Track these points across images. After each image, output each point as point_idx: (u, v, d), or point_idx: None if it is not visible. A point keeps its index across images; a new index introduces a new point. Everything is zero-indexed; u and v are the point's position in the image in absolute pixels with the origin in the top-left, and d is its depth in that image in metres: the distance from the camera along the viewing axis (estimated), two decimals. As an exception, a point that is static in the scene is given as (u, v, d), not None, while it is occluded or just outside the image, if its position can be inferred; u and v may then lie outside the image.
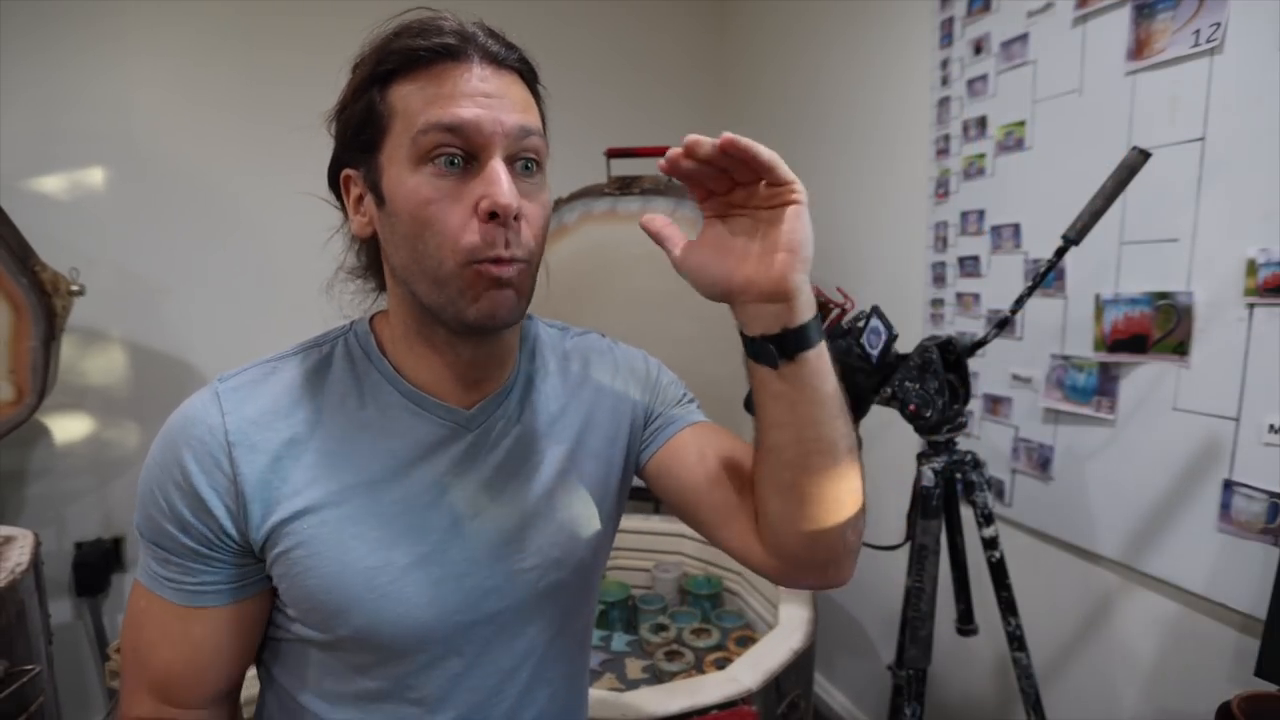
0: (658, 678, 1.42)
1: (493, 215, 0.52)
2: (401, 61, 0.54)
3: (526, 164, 0.56)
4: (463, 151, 0.53)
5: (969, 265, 1.43)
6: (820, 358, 0.54)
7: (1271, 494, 0.91)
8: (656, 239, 0.57)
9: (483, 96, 0.53)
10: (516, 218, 0.53)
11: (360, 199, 0.59)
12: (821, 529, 0.58)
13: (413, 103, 0.53)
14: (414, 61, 0.53)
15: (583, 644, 0.74)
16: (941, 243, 1.51)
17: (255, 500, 0.55)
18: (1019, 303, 0.99)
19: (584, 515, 0.66)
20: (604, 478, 0.69)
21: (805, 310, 0.52)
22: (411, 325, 0.60)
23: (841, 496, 0.58)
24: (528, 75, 0.59)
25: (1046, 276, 0.97)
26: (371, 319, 0.65)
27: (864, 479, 0.62)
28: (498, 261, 0.53)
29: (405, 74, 0.54)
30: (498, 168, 0.53)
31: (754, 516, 0.62)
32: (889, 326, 0.99)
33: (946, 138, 1.47)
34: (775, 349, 0.53)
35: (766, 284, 0.51)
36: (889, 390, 0.99)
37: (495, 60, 0.55)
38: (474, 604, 0.61)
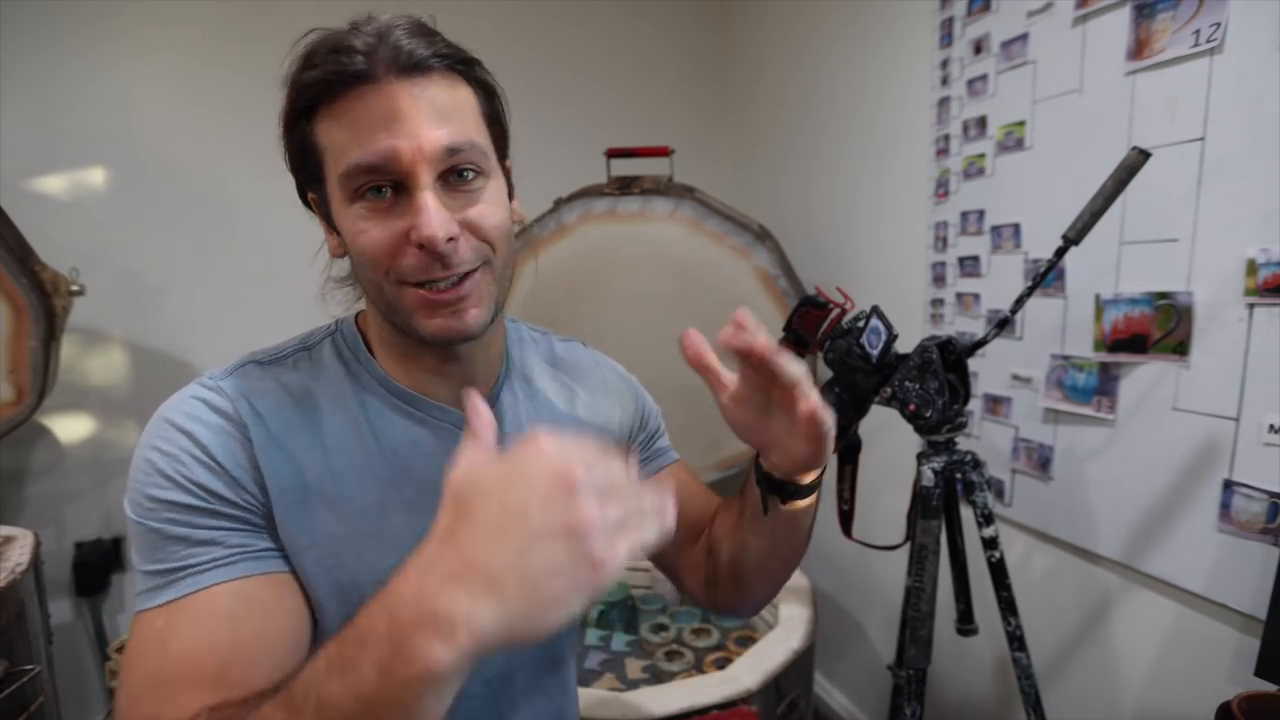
0: (658, 678, 1.42)
1: (422, 245, 0.52)
2: (316, 94, 0.52)
3: (461, 173, 0.54)
4: (390, 181, 0.52)
5: (969, 265, 1.43)
6: (810, 504, 0.62)
7: (1271, 494, 0.91)
8: (699, 369, 0.55)
9: (395, 122, 0.50)
10: (451, 239, 0.52)
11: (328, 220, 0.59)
12: (758, 597, 0.72)
13: (335, 139, 0.52)
14: (327, 93, 0.52)
15: (572, 651, 0.75)
16: (941, 243, 1.51)
17: (272, 487, 0.54)
18: (1019, 303, 0.99)
19: None
20: None
21: (813, 475, 0.59)
22: (388, 335, 0.60)
23: (783, 581, 0.71)
24: (459, 67, 0.55)
25: (1046, 276, 0.97)
26: (357, 317, 0.65)
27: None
28: (436, 285, 0.53)
29: (323, 105, 0.53)
30: (424, 199, 0.51)
31: (702, 557, 0.73)
32: (889, 326, 0.99)
33: (946, 138, 1.47)
34: (778, 492, 0.60)
35: (790, 462, 0.57)
36: (889, 390, 0.98)
37: (410, 67, 0.51)
38: None
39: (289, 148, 0.57)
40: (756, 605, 0.74)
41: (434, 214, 0.51)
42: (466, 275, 0.54)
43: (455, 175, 0.54)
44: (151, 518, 0.50)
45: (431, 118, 0.52)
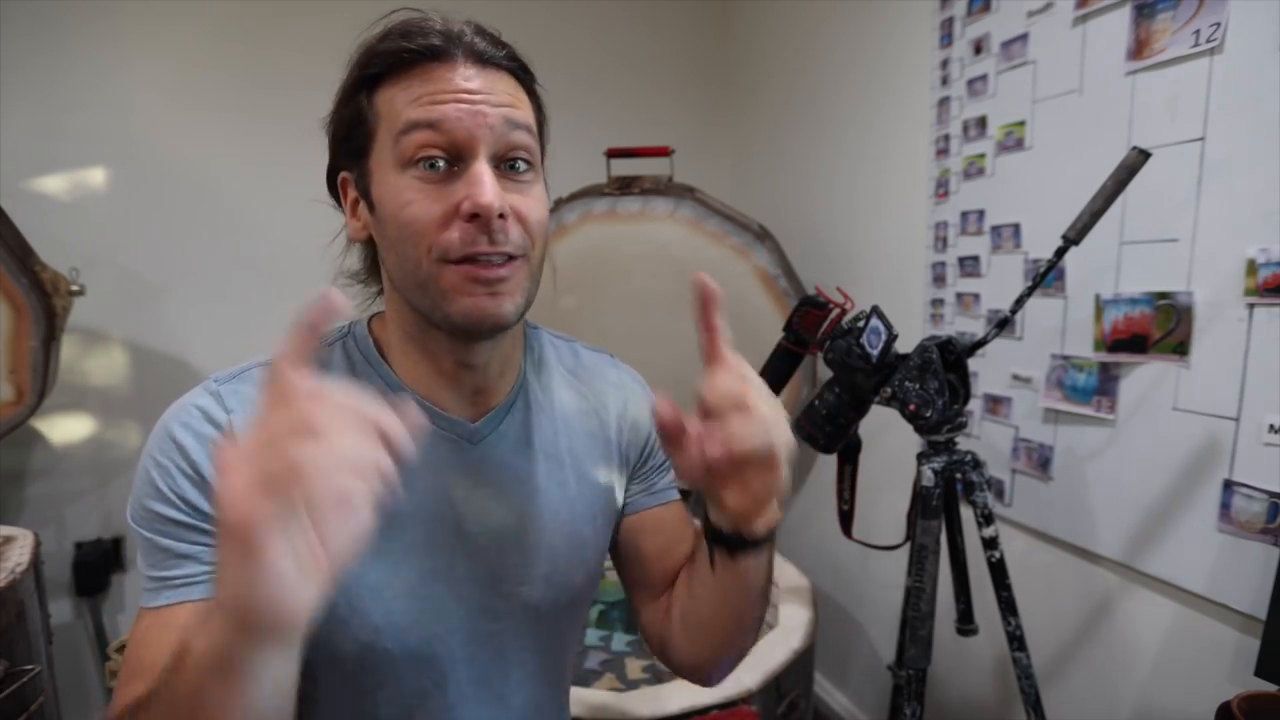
0: (658, 678, 1.42)
1: (475, 216, 0.51)
2: (387, 64, 0.53)
3: (514, 163, 0.54)
4: (446, 153, 0.52)
5: (969, 265, 1.43)
6: (759, 560, 0.56)
7: (1271, 494, 0.91)
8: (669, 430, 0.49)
9: (466, 94, 0.52)
10: (502, 215, 0.52)
11: (356, 203, 0.58)
12: (702, 656, 0.67)
13: (397, 104, 0.53)
14: (399, 64, 0.53)
15: (568, 670, 0.74)
16: (941, 243, 1.51)
17: None
18: (1019, 303, 0.99)
19: (584, 540, 0.66)
20: (603, 507, 0.68)
21: (762, 529, 0.53)
22: (408, 331, 0.59)
23: (733, 644, 0.65)
24: (520, 73, 0.57)
25: (1046, 276, 0.97)
26: (369, 321, 0.64)
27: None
28: (481, 261, 0.52)
29: (391, 77, 0.53)
30: (480, 169, 0.51)
31: (664, 609, 0.70)
32: (889, 326, 0.99)
33: (946, 138, 1.47)
34: (725, 544, 0.55)
35: (733, 521, 0.52)
36: (889, 390, 0.98)
37: (482, 59, 0.54)
38: (477, 623, 0.60)
39: (339, 119, 0.57)
40: (701, 669, 0.68)
41: (490, 185, 0.51)
42: (509, 259, 0.54)
43: (509, 165, 0.54)
44: (144, 527, 0.52)
45: (497, 95, 0.53)
